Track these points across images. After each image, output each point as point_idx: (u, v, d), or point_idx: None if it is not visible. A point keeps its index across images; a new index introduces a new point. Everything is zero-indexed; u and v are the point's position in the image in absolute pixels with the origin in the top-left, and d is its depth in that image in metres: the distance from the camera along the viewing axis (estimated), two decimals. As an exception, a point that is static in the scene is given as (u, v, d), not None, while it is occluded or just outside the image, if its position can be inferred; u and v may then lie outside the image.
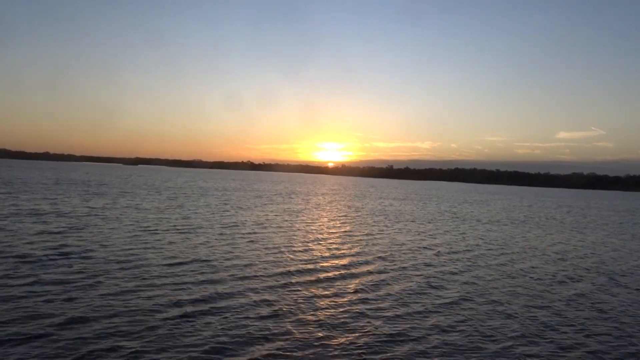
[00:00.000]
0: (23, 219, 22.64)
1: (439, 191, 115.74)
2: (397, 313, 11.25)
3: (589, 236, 31.23)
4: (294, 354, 8.51)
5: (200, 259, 15.85)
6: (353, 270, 15.68)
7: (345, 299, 12.16)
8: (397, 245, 22.02)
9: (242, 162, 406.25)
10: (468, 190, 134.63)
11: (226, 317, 10.17)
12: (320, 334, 9.53)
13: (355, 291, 13.03)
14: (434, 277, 15.41)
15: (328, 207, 44.65)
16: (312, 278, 14.30)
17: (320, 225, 28.76)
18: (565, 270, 18.12)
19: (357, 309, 11.38)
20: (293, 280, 13.82)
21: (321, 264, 16.47)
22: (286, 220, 30.14)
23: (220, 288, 12.43)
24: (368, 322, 10.47)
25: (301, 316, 10.59)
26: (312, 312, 10.91)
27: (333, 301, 11.93)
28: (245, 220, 28.36)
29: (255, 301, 11.47)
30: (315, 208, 42.93)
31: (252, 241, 20.50)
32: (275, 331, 9.56)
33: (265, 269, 15.09)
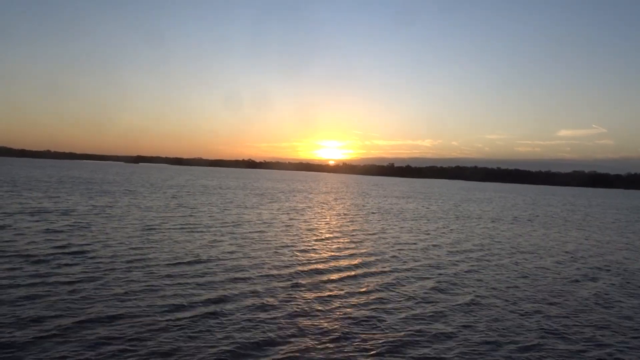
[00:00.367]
0: (27, 217, 22.42)
1: (440, 189, 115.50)
2: (413, 314, 11.02)
3: (598, 235, 31.00)
4: (309, 355, 8.30)
5: (208, 259, 15.63)
6: (364, 270, 15.44)
7: (359, 300, 11.93)
8: (406, 244, 21.80)
9: (243, 160, 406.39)
10: (469, 189, 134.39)
11: (239, 319, 9.95)
12: (335, 335, 9.30)
13: (368, 291, 12.80)
14: (447, 277, 15.19)
15: (332, 206, 44.42)
16: (324, 278, 14.08)
17: (326, 224, 28.54)
18: (579, 269, 17.89)
19: (371, 309, 11.16)
20: (304, 281, 13.60)
21: (332, 264, 16.24)
22: (292, 219, 29.92)
23: (230, 288, 12.21)
24: (383, 323, 10.25)
25: (315, 317, 10.37)
26: (326, 314, 10.69)
27: (346, 302, 11.70)
28: (251, 219, 28.14)
29: (267, 302, 11.24)
30: (319, 206, 42.71)
31: (260, 240, 20.28)
32: (289, 333, 9.34)
33: (275, 268, 14.87)
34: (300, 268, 15.12)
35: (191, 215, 28.03)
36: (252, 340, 8.80)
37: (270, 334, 9.18)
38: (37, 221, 21.57)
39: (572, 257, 20.83)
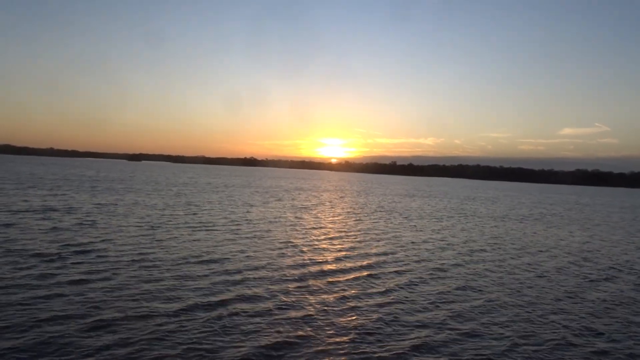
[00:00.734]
0: (34, 215, 22.25)
1: (444, 187, 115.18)
2: (431, 314, 10.80)
3: (606, 234, 30.72)
4: (329, 355, 8.08)
5: (219, 258, 15.42)
6: (378, 270, 15.19)
7: (375, 300, 11.71)
8: (417, 243, 21.56)
9: (245, 158, 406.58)
10: (473, 187, 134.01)
11: (254, 319, 9.74)
12: (353, 335, 9.08)
13: (384, 292, 12.57)
14: (462, 278, 14.96)
15: (338, 203, 44.19)
16: (338, 278, 13.85)
17: (334, 223, 28.31)
18: (593, 269, 17.65)
19: (387, 309, 10.93)
20: (318, 281, 13.38)
21: (345, 263, 15.99)
22: (299, 218, 29.71)
23: (243, 288, 12.00)
24: (400, 324, 10.02)
25: (330, 319, 10.15)
26: (342, 314, 10.47)
27: (362, 302, 11.47)
28: (259, 217, 27.94)
29: (282, 301, 11.04)
30: (325, 204, 42.48)
31: (270, 239, 20.07)
32: (306, 333, 9.13)
33: (287, 268, 14.66)
34: (312, 268, 14.89)
35: (198, 213, 27.83)
36: (270, 341, 8.58)
37: (289, 334, 8.97)
38: (43, 219, 21.39)
39: (584, 256, 20.57)
